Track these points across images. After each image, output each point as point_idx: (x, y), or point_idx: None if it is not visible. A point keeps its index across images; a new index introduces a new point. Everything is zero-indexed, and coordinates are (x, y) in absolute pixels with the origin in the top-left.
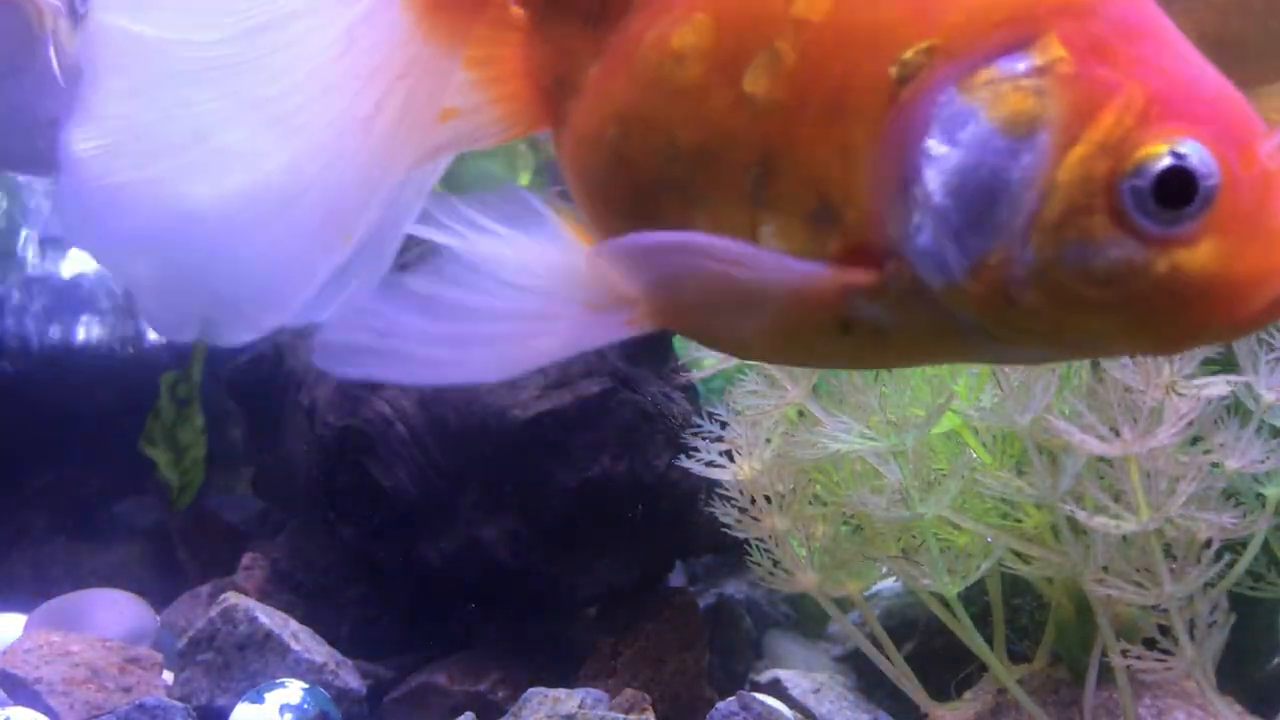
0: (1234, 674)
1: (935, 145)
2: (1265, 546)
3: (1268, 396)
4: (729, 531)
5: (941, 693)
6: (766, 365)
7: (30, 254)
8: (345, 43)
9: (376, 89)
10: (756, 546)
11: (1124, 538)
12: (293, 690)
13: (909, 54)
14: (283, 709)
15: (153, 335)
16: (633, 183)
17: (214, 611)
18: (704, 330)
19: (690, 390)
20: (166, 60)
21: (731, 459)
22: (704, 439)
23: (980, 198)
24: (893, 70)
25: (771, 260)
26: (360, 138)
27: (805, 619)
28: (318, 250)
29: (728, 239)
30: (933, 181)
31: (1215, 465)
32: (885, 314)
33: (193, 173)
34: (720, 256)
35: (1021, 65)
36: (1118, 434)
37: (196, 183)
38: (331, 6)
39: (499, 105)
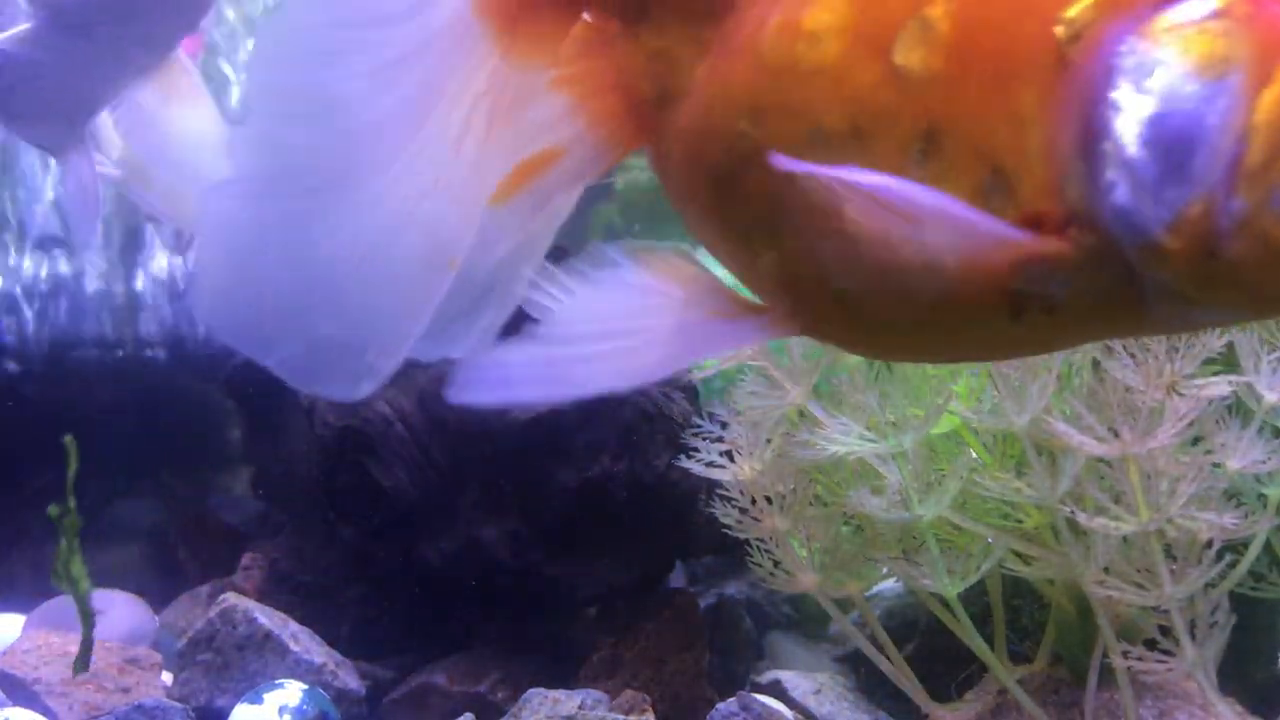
0: (1235, 675)
1: (1124, 96)
2: (1266, 547)
3: (1269, 397)
4: (729, 532)
5: (942, 693)
6: (767, 366)
7: (30, 253)
8: (424, 67)
9: (460, 110)
10: (757, 547)
11: (1124, 538)
12: (292, 691)
13: (1073, 11)
14: (282, 710)
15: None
16: (766, 177)
17: (213, 612)
18: (850, 323)
19: (690, 390)
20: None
21: (732, 459)
22: (704, 439)
23: (1179, 145)
24: (1059, 30)
25: (966, 213)
26: (449, 161)
27: (806, 620)
28: (428, 282)
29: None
30: (1126, 133)
31: (1216, 465)
32: (1063, 287)
33: (313, 231)
34: (910, 201)
35: (1200, 9)
36: (1117, 435)
37: (317, 240)
38: (410, 35)
39: (598, 127)
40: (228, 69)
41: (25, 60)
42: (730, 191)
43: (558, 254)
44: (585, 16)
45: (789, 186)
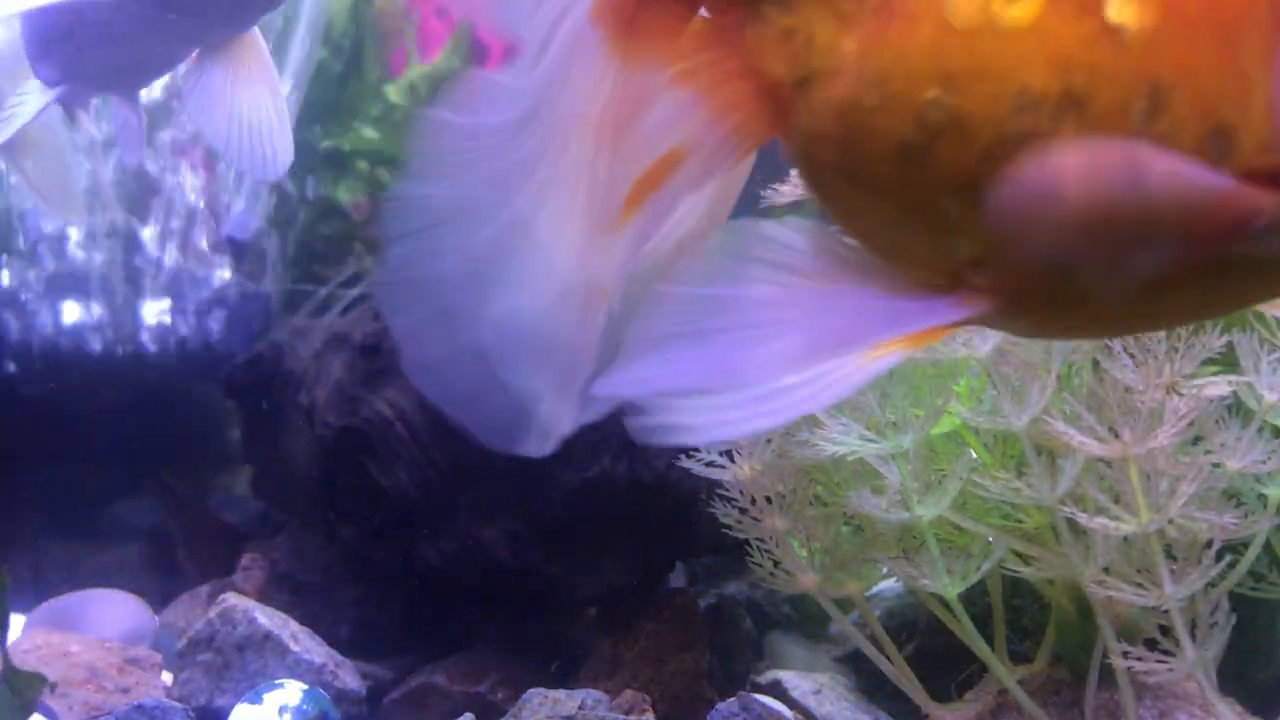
0: (1235, 675)
1: None
2: (1267, 547)
3: (1269, 397)
4: (729, 532)
5: (942, 693)
6: None
7: (30, 253)
8: (561, 96)
9: (591, 130)
10: (757, 547)
11: (1124, 539)
12: (291, 691)
13: None
14: (282, 710)
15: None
16: (965, 146)
17: (213, 612)
18: (1056, 295)
19: None
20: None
21: (732, 459)
22: None
23: None
24: None
25: (1203, 175)
26: (590, 186)
27: (806, 620)
28: (589, 318)
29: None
30: None
31: (1216, 465)
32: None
33: (479, 275)
34: (1149, 166)
35: None
36: (1117, 435)
37: (482, 284)
38: (545, 70)
39: (725, 119)
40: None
41: (98, 24)
42: (920, 166)
43: None
44: (702, 11)
45: (996, 153)
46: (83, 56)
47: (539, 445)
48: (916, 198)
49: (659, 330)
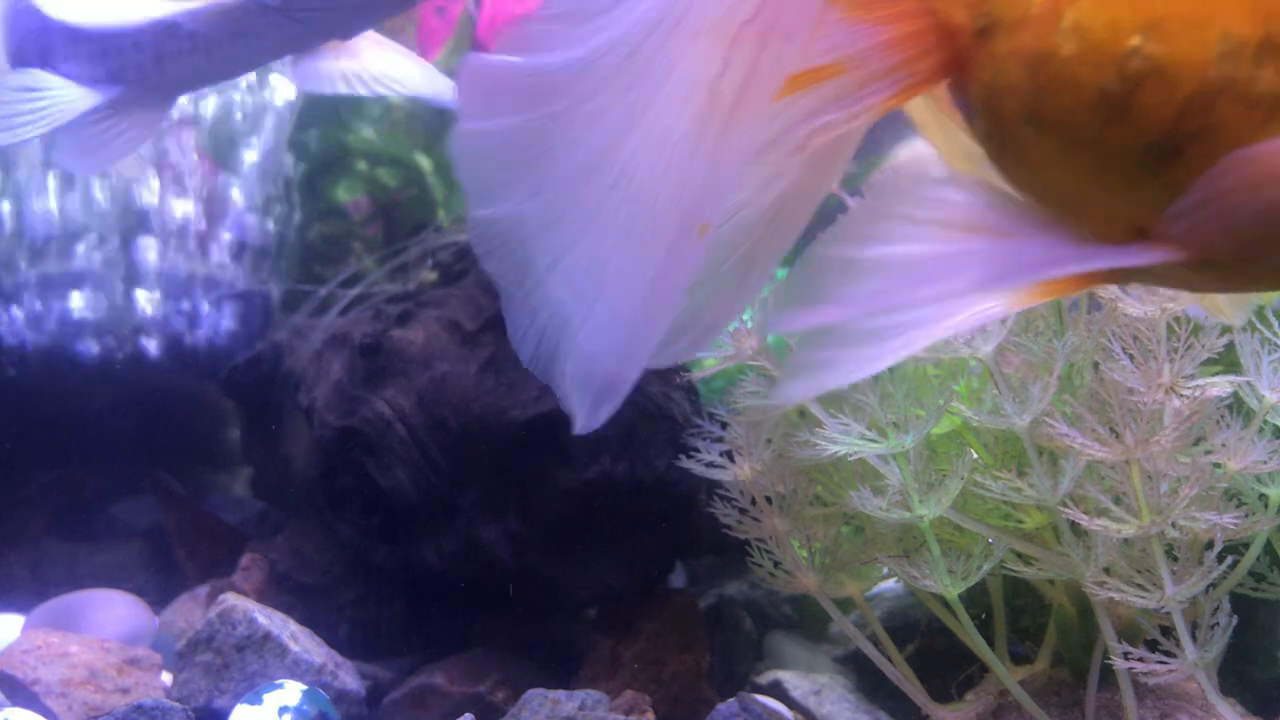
0: (1236, 676)
1: None
2: (1267, 547)
3: (1270, 397)
4: (729, 532)
5: (943, 694)
6: (767, 366)
7: (29, 253)
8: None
9: (720, 45)
10: (757, 547)
11: (1125, 540)
12: (291, 691)
13: None
14: (282, 710)
15: (152, 340)
16: (1167, 95)
17: (212, 612)
18: (1256, 243)
19: (690, 390)
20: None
21: (732, 459)
22: (704, 439)
23: None
24: None
25: None
26: (703, 105)
27: (806, 620)
28: (681, 251)
29: None
30: None
31: (1217, 466)
32: None
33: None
34: None
35: None
36: (1118, 436)
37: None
38: None
39: (894, 53)
40: None
41: (215, 37)
42: (1119, 116)
43: None
44: None
45: (1197, 101)
46: (162, 65)
47: (601, 396)
48: (1113, 148)
49: (825, 273)
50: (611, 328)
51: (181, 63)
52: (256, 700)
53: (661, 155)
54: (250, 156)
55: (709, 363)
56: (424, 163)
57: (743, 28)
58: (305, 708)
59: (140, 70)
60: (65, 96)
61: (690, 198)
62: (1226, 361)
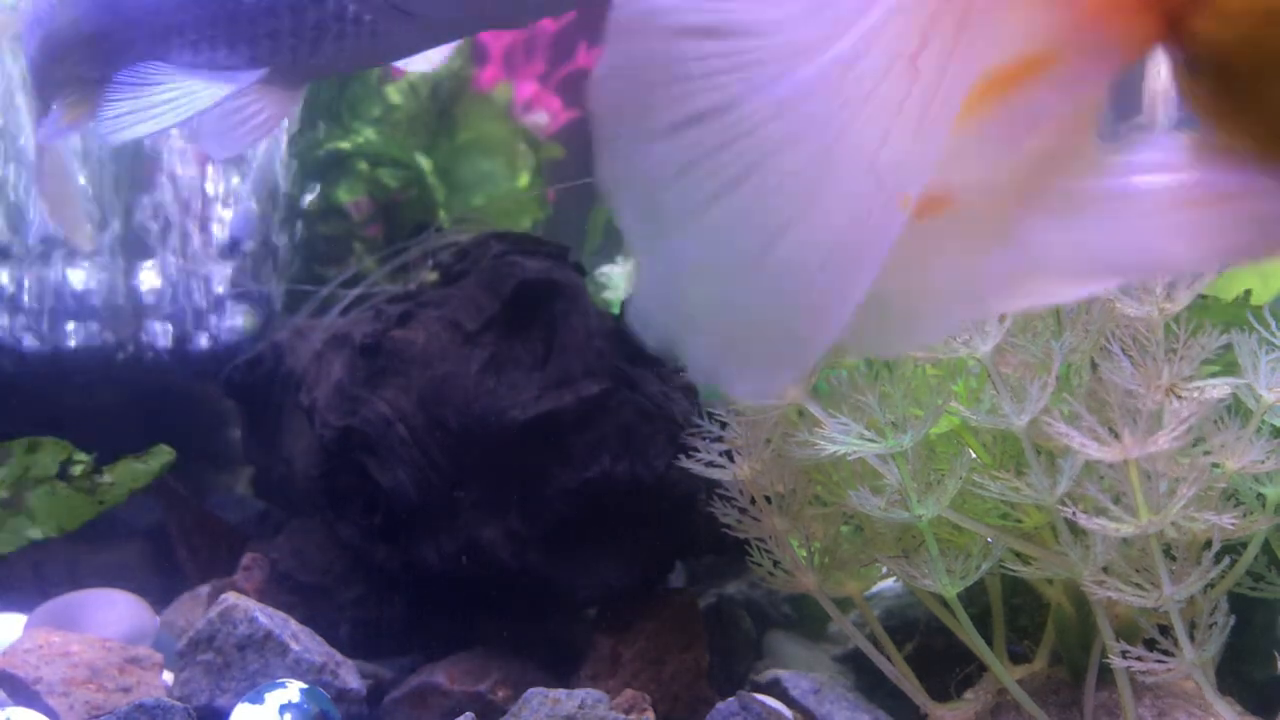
0: (1234, 675)
1: None
2: (1265, 547)
3: (1268, 397)
4: (729, 532)
5: (942, 693)
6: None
7: (29, 253)
8: None
9: (920, 16)
10: (757, 547)
11: (1124, 539)
12: (292, 690)
13: None
14: (282, 709)
15: (155, 338)
16: None
17: (213, 612)
18: None
19: (690, 390)
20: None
21: (731, 459)
22: (704, 439)
23: None
24: None
25: None
26: (901, 78)
27: (806, 619)
28: (880, 223)
29: None
30: None
31: (1215, 465)
32: None
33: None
34: None
35: None
36: (1117, 436)
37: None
38: None
39: (1101, 25)
40: None
41: (373, 24)
42: None
43: (562, 252)
44: None
45: None
46: (319, 46)
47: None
48: None
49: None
50: (793, 285)
51: (342, 44)
52: (258, 699)
53: (857, 113)
54: (251, 156)
55: None
56: (425, 163)
57: (940, 4)
58: (306, 706)
59: (294, 53)
60: (201, 87)
61: (888, 161)
62: (1224, 361)
